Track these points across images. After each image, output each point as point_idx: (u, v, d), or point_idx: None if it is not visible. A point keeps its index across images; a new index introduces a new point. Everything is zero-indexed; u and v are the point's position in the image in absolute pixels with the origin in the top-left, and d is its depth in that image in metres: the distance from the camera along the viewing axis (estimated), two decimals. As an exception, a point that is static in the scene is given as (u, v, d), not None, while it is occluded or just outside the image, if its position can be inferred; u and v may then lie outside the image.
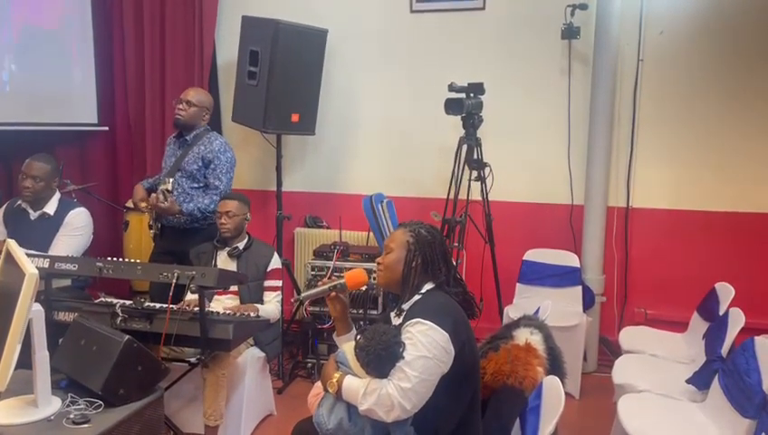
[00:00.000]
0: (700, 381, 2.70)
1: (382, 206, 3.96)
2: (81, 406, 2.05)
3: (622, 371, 3.00)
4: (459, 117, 3.75)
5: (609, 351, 4.10)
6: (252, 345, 3.24)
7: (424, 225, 2.14)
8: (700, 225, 4.02)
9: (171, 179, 3.40)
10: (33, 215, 3.35)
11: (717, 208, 3.99)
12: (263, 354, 3.30)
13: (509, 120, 4.20)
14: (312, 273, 3.95)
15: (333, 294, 2.17)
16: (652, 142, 4.07)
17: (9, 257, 2.10)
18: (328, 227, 4.56)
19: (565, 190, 4.18)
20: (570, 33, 3.97)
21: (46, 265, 2.68)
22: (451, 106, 3.69)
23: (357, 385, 1.93)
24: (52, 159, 3.42)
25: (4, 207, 3.47)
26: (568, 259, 4.07)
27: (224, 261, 3.28)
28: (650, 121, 4.05)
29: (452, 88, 3.68)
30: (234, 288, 3.23)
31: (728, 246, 3.97)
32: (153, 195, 3.42)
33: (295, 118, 4.06)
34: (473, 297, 2.16)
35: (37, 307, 1.94)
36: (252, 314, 3.01)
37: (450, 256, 2.17)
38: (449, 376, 1.91)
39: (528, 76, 4.19)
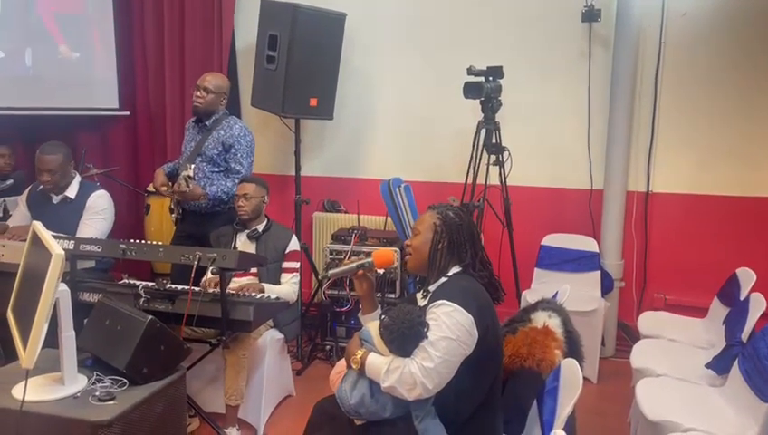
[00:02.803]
0: (720, 365, 2.69)
1: (400, 190, 3.96)
2: (107, 384, 2.11)
3: (641, 355, 2.99)
4: (478, 101, 3.73)
5: (627, 336, 4.09)
6: (271, 327, 3.29)
7: (453, 207, 2.14)
8: (721, 210, 3.97)
9: (192, 165, 3.43)
10: (56, 199, 3.41)
11: (739, 193, 3.95)
12: (282, 336, 3.35)
13: (528, 104, 4.17)
14: (331, 256, 3.97)
15: (360, 272, 2.19)
16: (674, 126, 4.02)
17: (36, 239, 2.14)
18: (346, 212, 4.58)
19: (584, 175, 4.16)
20: (590, 15, 3.93)
21: (71, 247, 2.74)
22: (470, 90, 3.68)
23: (380, 362, 1.96)
24: (62, 147, 3.41)
25: (28, 190, 3.54)
26: (586, 244, 4.05)
27: (243, 243, 3.32)
28: (672, 105, 4.00)
29: (471, 72, 3.66)
30: (253, 270, 3.26)
31: (749, 231, 3.92)
32: (176, 182, 3.45)
33: (314, 102, 4.07)
34: (498, 281, 2.16)
35: (63, 287, 1.98)
36: (270, 296, 3.03)
37: (479, 238, 2.16)
38: (472, 359, 1.93)
39: (548, 60, 4.15)
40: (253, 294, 2.97)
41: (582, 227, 4.14)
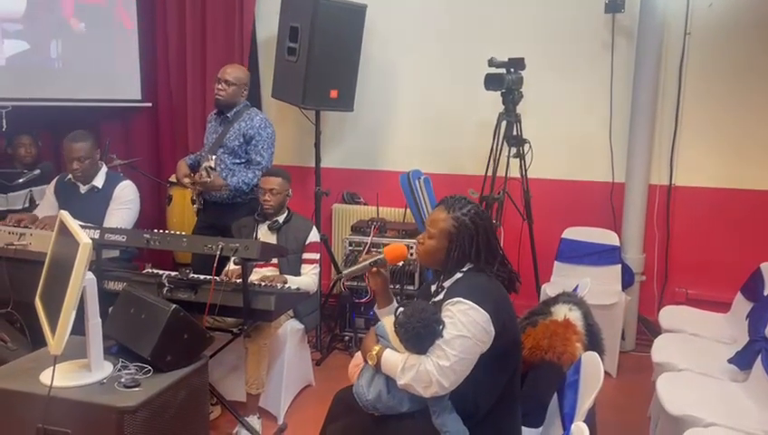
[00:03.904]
0: (742, 361, 2.66)
1: (419, 182, 3.96)
2: (132, 371, 2.14)
3: (662, 349, 2.97)
4: (499, 93, 3.72)
5: (648, 330, 4.06)
6: (291, 317, 3.32)
7: (469, 210, 2.04)
8: (745, 204, 3.92)
9: (214, 156, 3.46)
10: (83, 188, 3.47)
11: (764, 187, 3.89)
12: (302, 326, 3.38)
13: (550, 96, 4.14)
14: (350, 248, 3.99)
15: (374, 269, 2.20)
16: (698, 119, 3.97)
17: (63, 228, 2.18)
18: (365, 204, 4.59)
19: (606, 168, 4.12)
20: (614, 6, 3.89)
21: (97, 236, 2.78)
22: (491, 82, 3.66)
23: (395, 359, 1.96)
24: (88, 135, 3.50)
25: (55, 180, 3.60)
26: (607, 238, 4.02)
27: (264, 234, 3.35)
28: (696, 97, 3.95)
29: (492, 63, 3.64)
30: (274, 261, 3.29)
31: (775, 225, 3.87)
32: (197, 173, 3.49)
33: (334, 94, 4.08)
34: (516, 275, 2.13)
35: (90, 276, 2.02)
36: (291, 287, 3.05)
37: (495, 240, 2.10)
38: (489, 355, 1.92)
39: (570, 51, 4.11)
40: (278, 285, 2.99)
41: (603, 220, 4.11)
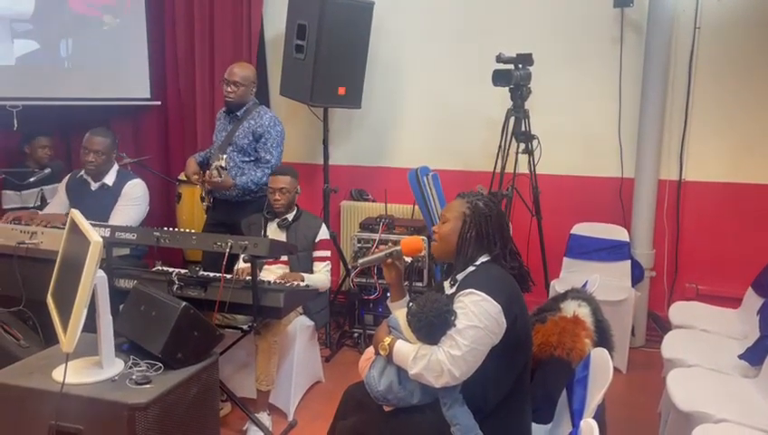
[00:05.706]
0: (753, 356, 2.65)
1: (428, 179, 3.95)
2: (143, 368, 2.16)
3: (672, 345, 2.96)
4: (507, 88, 3.71)
5: (657, 326, 4.05)
6: (301, 314, 3.33)
7: (483, 197, 2.11)
8: (756, 198, 3.89)
9: (225, 156, 3.47)
10: (94, 186, 3.51)
11: (774, 182, 3.86)
12: (311, 323, 3.39)
13: (558, 92, 4.12)
14: (359, 245, 3.99)
15: (389, 260, 2.21)
16: (708, 114, 3.94)
17: (74, 227, 2.20)
18: (373, 201, 4.59)
19: (615, 163, 4.10)
20: (623, 0, 3.86)
21: (108, 235, 2.80)
22: (499, 77, 3.65)
23: (408, 350, 1.98)
24: (111, 133, 3.57)
25: (67, 178, 3.64)
26: (617, 233, 4.01)
27: (273, 231, 3.36)
28: (706, 92, 3.92)
29: (500, 59, 3.63)
30: (284, 258, 3.30)
31: (786, 220, 3.84)
32: (208, 172, 3.51)
33: (342, 91, 4.08)
34: (528, 272, 2.14)
35: (101, 274, 2.03)
36: (300, 284, 3.06)
37: (508, 230, 2.13)
38: (500, 348, 1.93)
39: (579, 46, 4.09)
40: (298, 283, 3.00)
41: (613, 216, 4.09)
